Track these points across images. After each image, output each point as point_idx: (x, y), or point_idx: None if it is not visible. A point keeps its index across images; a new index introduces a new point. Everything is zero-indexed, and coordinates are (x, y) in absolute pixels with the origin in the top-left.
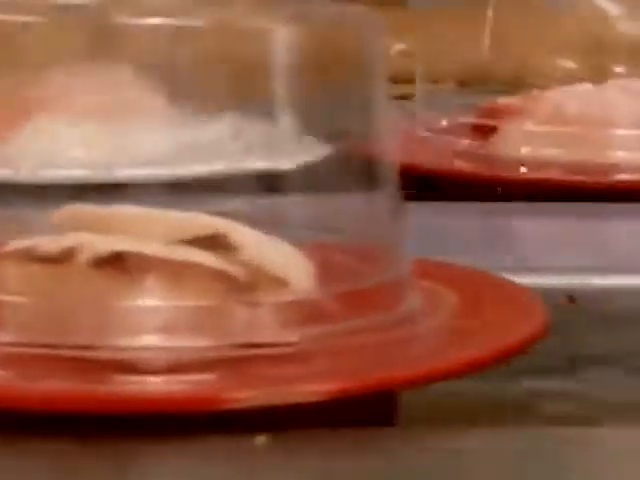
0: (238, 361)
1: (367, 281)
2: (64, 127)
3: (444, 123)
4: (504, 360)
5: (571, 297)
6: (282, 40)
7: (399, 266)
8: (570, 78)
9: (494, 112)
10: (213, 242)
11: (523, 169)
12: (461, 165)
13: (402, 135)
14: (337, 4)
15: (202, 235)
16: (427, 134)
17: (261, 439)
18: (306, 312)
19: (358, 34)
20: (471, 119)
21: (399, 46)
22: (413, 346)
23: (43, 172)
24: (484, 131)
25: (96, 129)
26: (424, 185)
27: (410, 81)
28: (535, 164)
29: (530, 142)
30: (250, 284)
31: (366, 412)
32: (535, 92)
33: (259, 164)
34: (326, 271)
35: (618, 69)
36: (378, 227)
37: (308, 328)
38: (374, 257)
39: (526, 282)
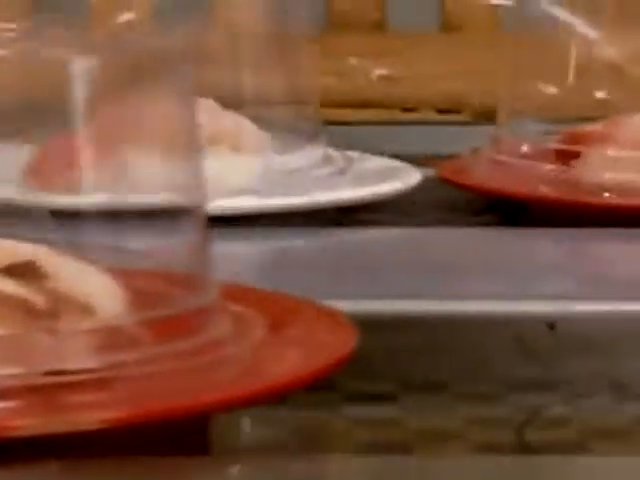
0: (41, 389)
1: (175, 307)
2: (147, 157)
3: (526, 149)
4: (310, 384)
5: (551, 324)
6: (81, 71)
7: (208, 292)
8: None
9: (577, 138)
10: (26, 270)
11: (606, 194)
12: (545, 190)
13: (485, 161)
14: (147, 35)
15: (14, 263)
16: (510, 159)
17: None
18: (112, 339)
19: (163, 64)
20: (554, 145)
21: (379, 71)
22: (218, 372)
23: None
24: (567, 157)
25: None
26: (508, 210)
27: (390, 106)
28: (618, 189)
29: (613, 168)
30: (52, 312)
31: (180, 441)
32: (618, 118)
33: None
34: (136, 298)
35: (599, 94)
36: (186, 255)
37: (113, 354)
38: (183, 284)
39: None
